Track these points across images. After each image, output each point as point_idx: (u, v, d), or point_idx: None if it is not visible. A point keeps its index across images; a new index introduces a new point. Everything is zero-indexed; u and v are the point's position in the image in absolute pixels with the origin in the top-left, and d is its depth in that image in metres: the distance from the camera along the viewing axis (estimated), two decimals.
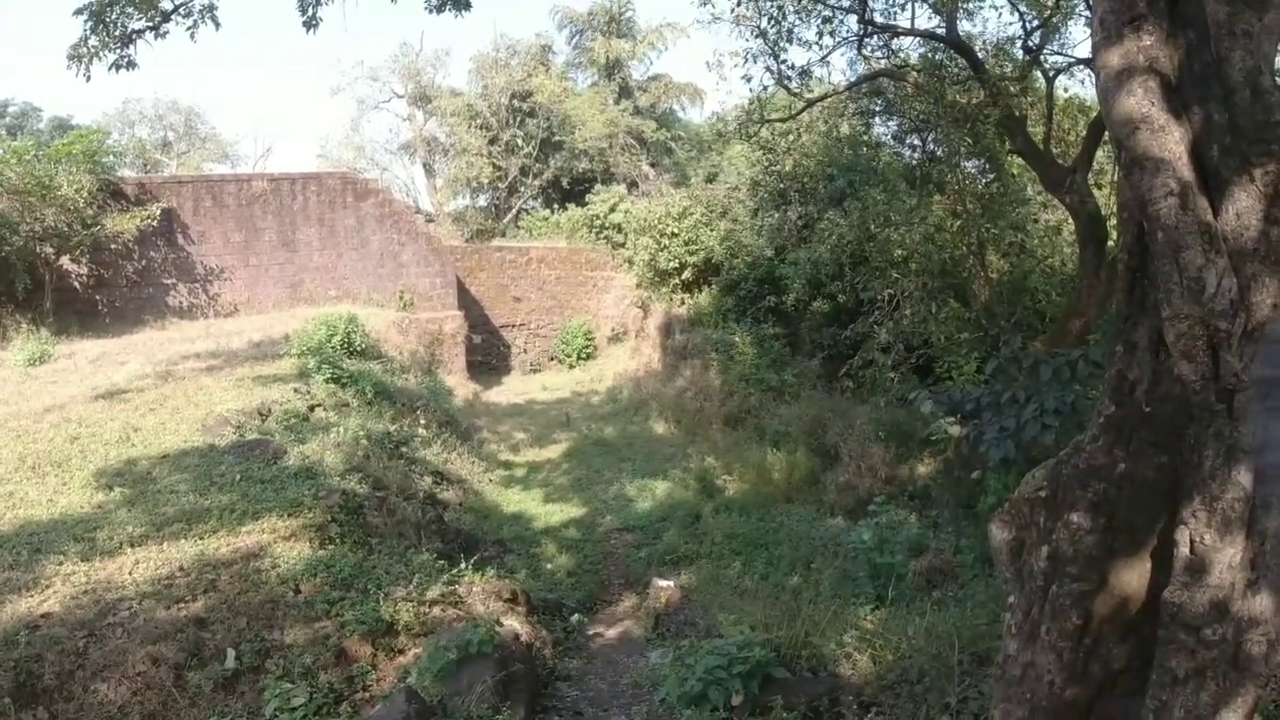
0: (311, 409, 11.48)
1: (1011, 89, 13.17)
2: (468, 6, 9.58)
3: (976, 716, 4.21)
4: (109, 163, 18.97)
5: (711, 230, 21.46)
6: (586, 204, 28.58)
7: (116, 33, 8.41)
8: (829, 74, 17.12)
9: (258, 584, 6.47)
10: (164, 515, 7.61)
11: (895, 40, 14.59)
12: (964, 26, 13.81)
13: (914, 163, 17.91)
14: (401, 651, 5.92)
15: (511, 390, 23.02)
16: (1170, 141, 2.88)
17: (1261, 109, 2.71)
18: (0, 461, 8.98)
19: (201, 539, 7.09)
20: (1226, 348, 2.69)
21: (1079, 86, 15.34)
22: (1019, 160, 15.12)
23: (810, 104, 15.50)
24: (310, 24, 9.07)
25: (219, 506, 7.78)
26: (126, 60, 8.56)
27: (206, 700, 5.40)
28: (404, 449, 11.64)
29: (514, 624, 6.39)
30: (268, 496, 8.10)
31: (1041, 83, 13.96)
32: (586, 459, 15.88)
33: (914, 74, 14.31)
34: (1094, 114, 13.37)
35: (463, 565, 7.24)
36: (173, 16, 8.60)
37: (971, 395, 8.11)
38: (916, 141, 18.36)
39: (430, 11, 9.42)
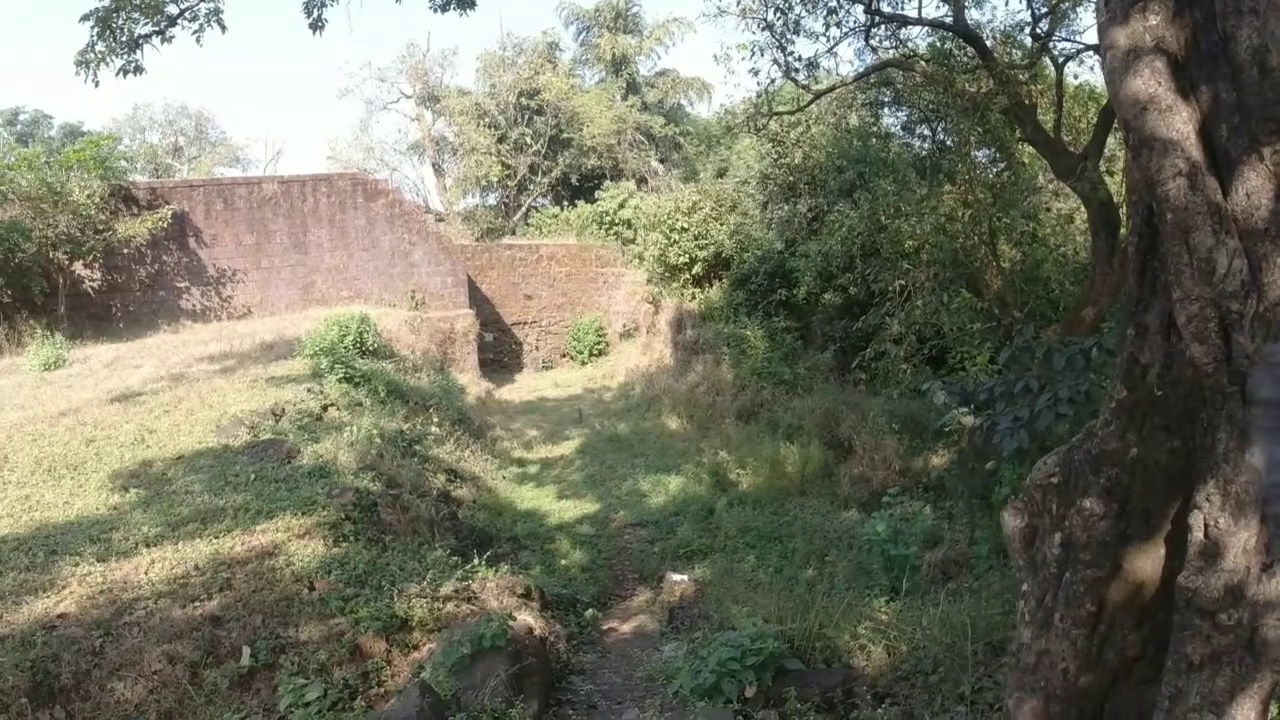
0: (325, 409, 11.53)
1: (1020, 77, 13.07)
2: (472, 5, 9.57)
3: (991, 706, 4.19)
4: (120, 168, 19.15)
5: (721, 224, 21.41)
6: (596, 200, 28.61)
7: (123, 38, 8.45)
8: (836, 65, 17.11)
9: (272, 582, 6.51)
10: (179, 515, 7.66)
11: (903, 30, 14.49)
12: (972, 15, 13.72)
13: (924, 153, 17.79)
14: (416, 647, 5.94)
15: (523, 387, 23.07)
16: (1178, 121, 2.85)
17: (1269, 87, 2.67)
18: (17, 465, 9.06)
19: (216, 538, 7.13)
20: (1238, 329, 2.66)
21: (1089, 73, 15.26)
22: (1029, 149, 15.00)
23: (818, 96, 15.42)
24: (316, 25, 9.11)
25: (234, 506, 7.82)
26: (134, 65, 8.59)
27: (222, 697, 5.43)
28: (417, 447, 11.68)
29: (528, 619, 6.39)
30: (282, 495, 8.14)
31: (1051, 70, 13.84)
32: (599, 455, 15.89)
33: (922, 63, 14.21)
34: (1104, 101, 13.24)
35: (476, 561, 7.25)
36: (179, 21, 8.63)
37: (985, 385, 8.05)
38: (926, 131, 18.24)
39: (435, 11, 9.43)
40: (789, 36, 13.71)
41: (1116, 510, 3.10)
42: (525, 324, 25.95)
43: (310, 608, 6.25)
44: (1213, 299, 2.69)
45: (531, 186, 34.22)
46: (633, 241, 25.57)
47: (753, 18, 13.86)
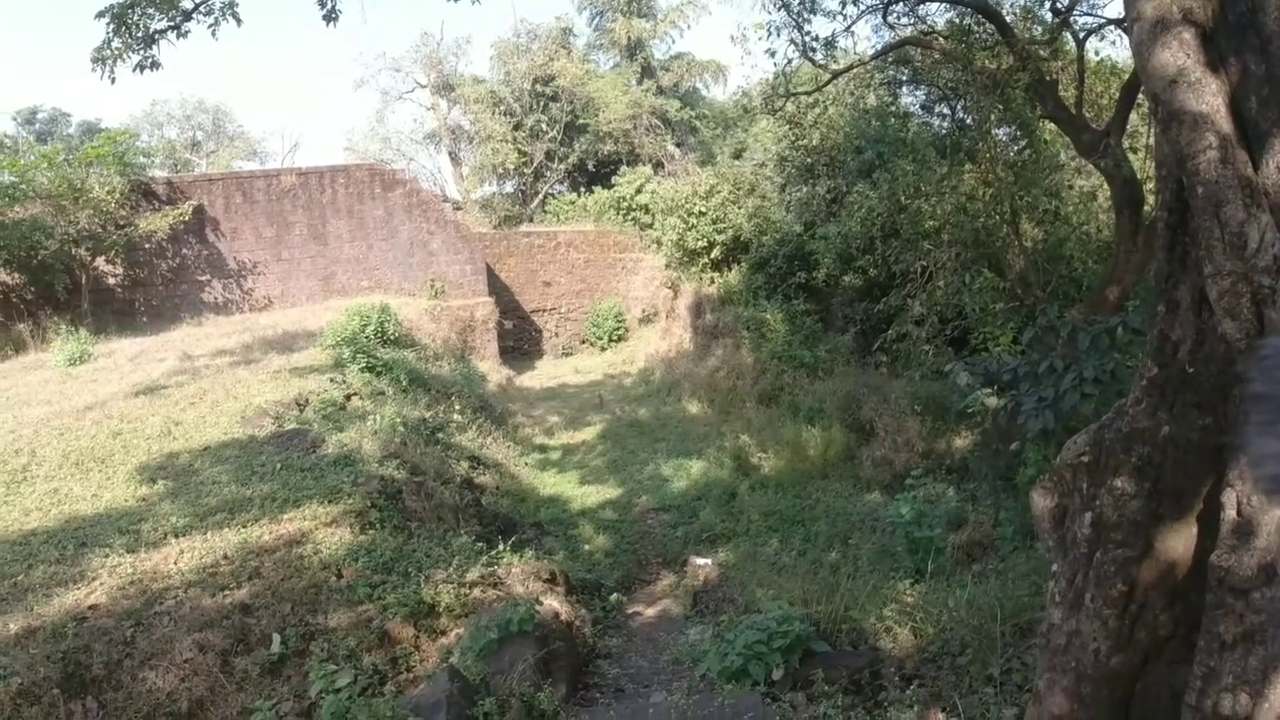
0: (348, 398, 11.61)
1: (1041, 53, 12.87)
2: None
3: (1020, 687, 4.17)
4: (139, 164, 19.29)
5: (739, 208, 21.31)
6: (613, 186, 28.54)
7: (139, 34, 8.46)
8: (854, 44, 16.95)
9: (300, 570, 6.58)
10: (207, 506, 7.76)
11: (921, 6, 14.34)
12: None
13: (943, 132, 17.62)
14: (443, 633, 6.00)
15: (544, 374, 23.13)
16: (1208, 94, 2.80)
17: None
18: (45, 459, 9.19)
19: (244, 528, 7.22)
20: (1271, 304, 2.62)
21: (1110, 48, 14.99)
22: (1051, 126, 14.80)
23: (836, 75, 15.27)
24: (330, 17, 9.09)
25: (260, 496, 7.90)
26: (150, 61, 8.62)
27: (253, 685, 5.50)
28: (440, 435, 11.74)
29: (553, 603, 6.44)
30: (308, 484, 8.22)
31: (1072, 45, 13.62)
32: (621, 440, 15.93)
33: (941, 41, 14.03)
34: (1126, 76, 13.04)
35: (501, 547, 7.30)
36: (194, 15, 8.64)
37: (1008, 366, 7.99)
38: (945, 110, 18.07)
39: None
40: (805, 15, 13.59)
41: (1148, 489, 3.07)
42: (544, 311, 25.99)
43: (338, 595, 6.32)
44: (1244, 274, 2.65)
45: (548, 173, 34.18)
46: (650, 226, 25.52)
47: None
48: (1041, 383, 7.07)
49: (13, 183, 16.36)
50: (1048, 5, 13.41)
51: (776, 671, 4.80)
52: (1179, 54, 2.84)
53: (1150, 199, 12.29)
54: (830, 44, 14.12)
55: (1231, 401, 2.86)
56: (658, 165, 32.26)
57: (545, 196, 34.00)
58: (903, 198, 15.22)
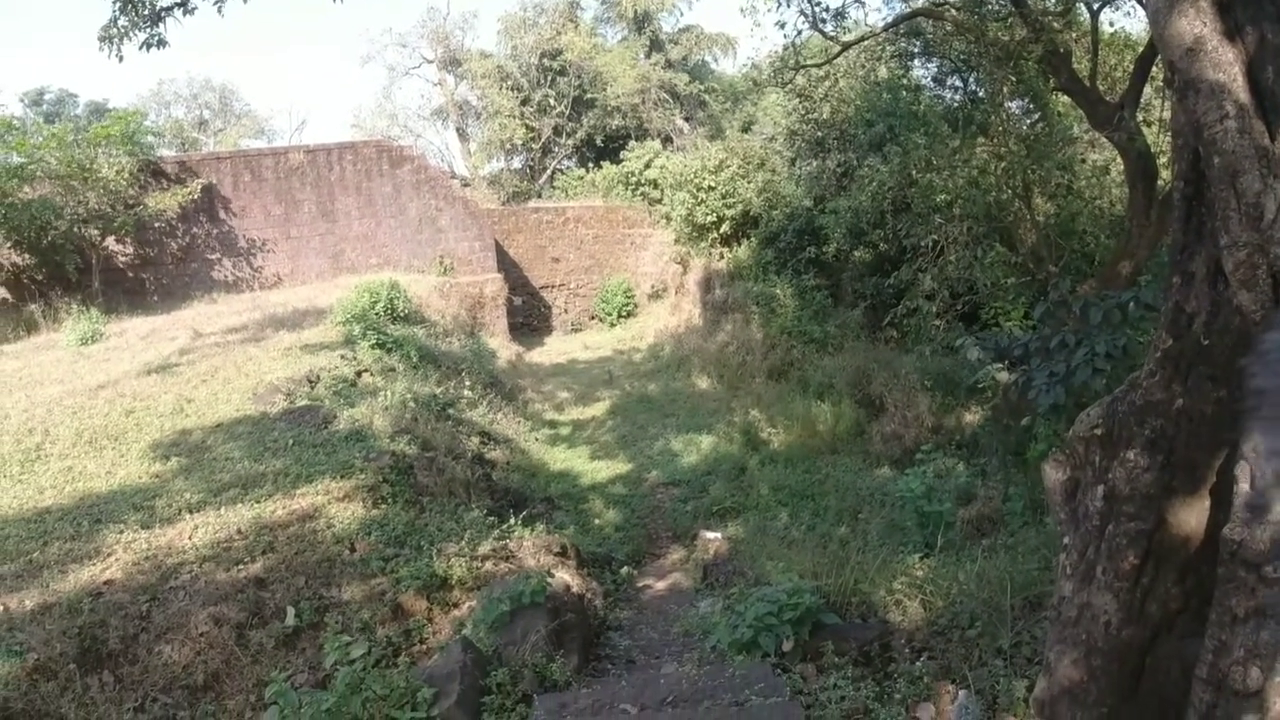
0: (359, 374, 11.66)
1: (1055, 24, 12.68)
2: None
3: (1030, 660, 4.19)
4: (147, 143, 19.28)
5: (749, 182, 21.19)
6: (621, 161, 28.39)
7: (145, 11, 8.44)
8: (865, 16, 16.75)
9: (314, 544, 6.64)
10: (220, 482, 7.83)
11: None
12: None
13: (955, 104, 17.44)
14: (456, 605, 6.06)
15: (553, 350, 23.16)
16: (1225, 63, 2.77)
17: None
18: (58, 437, 9.26)
19: (258, 503, 7.28)
20: None
21: (1124, 19, 14.84)
22: (1064, 98, 14.64)
23: (846, 47, 15.11)
24: None
25: (273, 471, 7.96)
26: (157, 39, 8.58)
27: (268, 657, 5.57)
28: (450, 410, 11.79)
29: (565, 576, 6.49)
30: (320, 460, 8.28)
31: (1085, 16, 13.44)
32: (630, 416, 15.96)
33: (953, 12, 13.84)
34: (1141, 48, 12.86)
35: (512, 521, 7.36)
36: None
37: (1019, 341, 7.95)
38: (957, 82, 17.87)
39: None
40: None
41: (1161, 462, 3.06)
42: (553, 287, 25.97)
43: (352, 568, 6.38)
44: (1260, 244, 2.62)
45: (556, 149, 34.03)
46: (659, 201, 25.41)
47: None
48: (1053, 358, 7.04)
49: (22, 163, 16.38)
50: None
51: (787, 643, 4.83)
52: (1196, 22, 2.80)
53: (1164, 173, 12.17)
54: (841, 15, 13.98)
55: (1246, 374, 2.84)
56: (666, 140, 32.07)
57: (553, 172, 33.86)
58: (914, 172, 15.11)
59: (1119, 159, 13.32)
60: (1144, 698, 3.28)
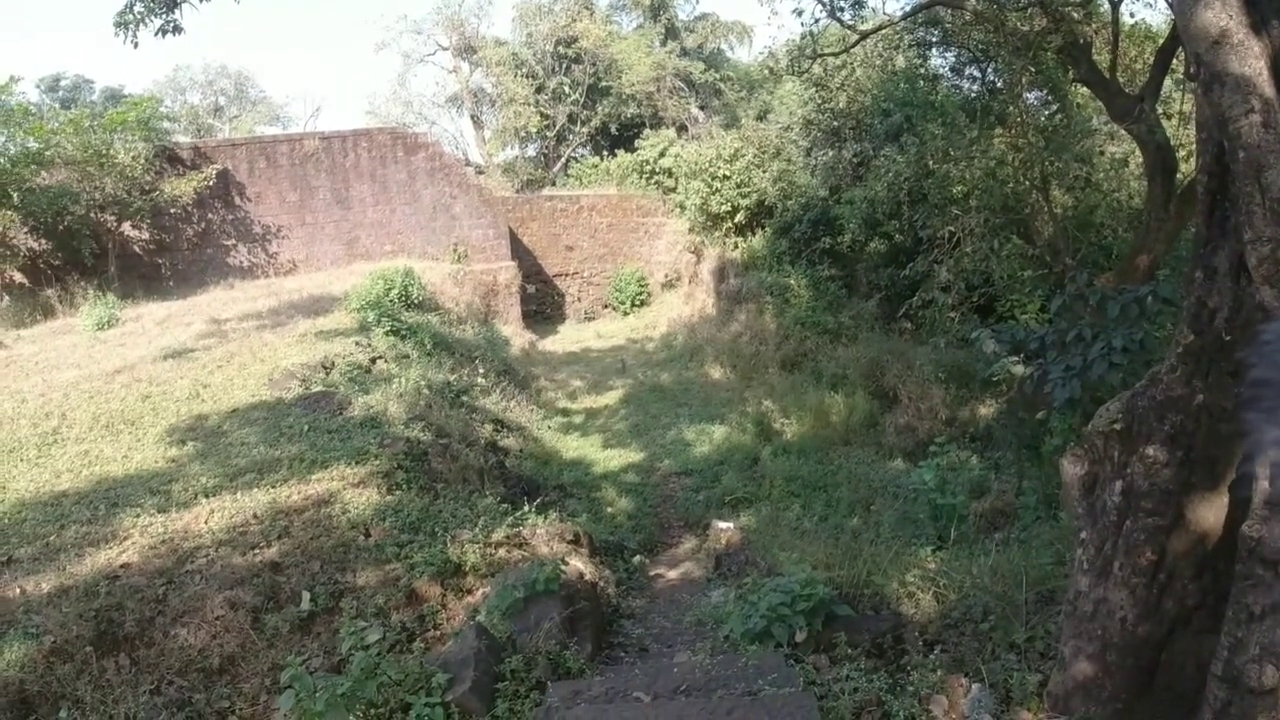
0: (373, 361, 11.71)
1: (1075, 15, 12.56)
2: None
3: (1043, 655, 4.18)
4: (163, 129, 19.39)
5: (764, 172, 21.10)
6: (636, 149, 28.31)
7: None
8: (883, 4, 16.60)
9: (329, 529, 6.68)
10: (236, 466, 7.88)
11: None
12: None
13: (973, 95, 17.27)
14: (470, 591, 6.08)
15: (566, 339, 23.19)
16: (1251, 57, 2.75)
17: None
18: (75, 421, 9.34)
19: (273, 488, 7.32)
20: None
21: (1145, 10, 14.71)
22: (1083, 90, 14.50)
23: (864, 36, 15.01)
24: None
25: (289, 457, 8.01)
26: (173, 25, 8.61)
27: (284, 641, 5.61)
28: (464, 398, 11.83)
29: (578, 564, 6.50)
30: (335, 446, 8.31)
31: (1106, 7, 13.27)
32: (643, 405, 15.98)
33: (972, 1, 13.71)
34: (1161, 40, 12.72)
35: (525, 509, 7.37)
36: None
37: (1036, 334, 7.91)
38: (976, 73, 17.69)
39: None
40: None
41: (1180, 458, 3.05)
42: (567, 275, 25.97)
43: (367, 554, 6.42)
44: None
45: (570, 136, 33.95)
46: (674, 190, 25.35)
47: None
48: (1069, 352, 7.00)
49: (39, 149, 16.49)
50: None
51: (799, 634, 4.84)
52: (1222, 15, 2.78)
53: (1183, 166, 12.05)
54: (859, 3, 13.89)
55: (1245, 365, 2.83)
56: (681, 128, 31.94)
57: (568, 160, 33.80)
58: (930, 162, 15.01)
59: (1138, 152, 13.20)
60: (1158, 693, 3.28)
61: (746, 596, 5.62)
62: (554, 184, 31.86)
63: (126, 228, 18.14)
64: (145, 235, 18.76)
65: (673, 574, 8.30)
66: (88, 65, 64.91)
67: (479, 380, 13.47)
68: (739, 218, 21.22)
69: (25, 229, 16.56)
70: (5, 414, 9.62)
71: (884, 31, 15.77)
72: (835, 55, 16.07)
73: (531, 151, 36.01)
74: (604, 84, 32.77)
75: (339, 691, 4.16)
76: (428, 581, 6.05)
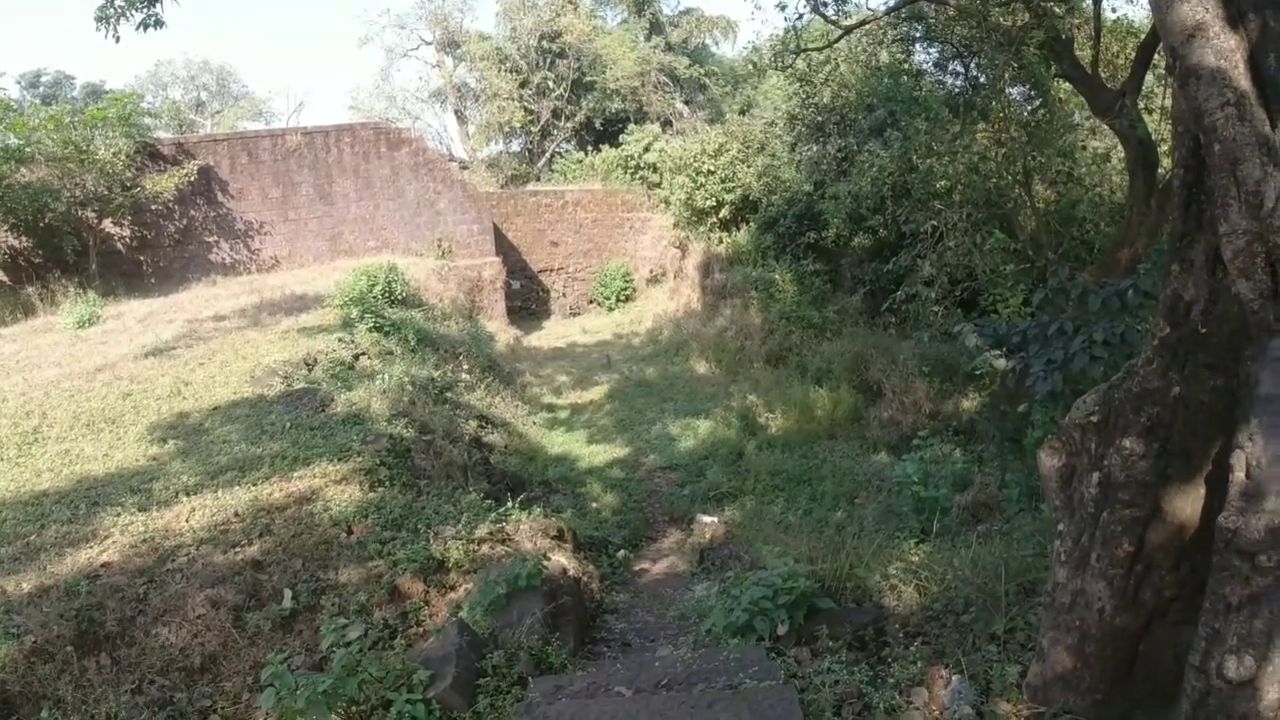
0: (356, 358, 11.64)
1: (1057, 10, 12.61)
2: None
3: (1023, 646, 4.20)
4: (144, 125, 19.19)
5: (748, 166, 21.11)
6: (620, 145, 28.28)
7: None
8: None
9: (311, 527, 6.64)
10: (217, 464, 7.82)
11: None
12: None
13: (956, 90, 17.33)
14: (452, 588, 6.06)
15: (552, 334, 23.15)
16: (1226, 50, 2.76)
17: None
18: (55, 420, 9.24)
19: (255, 486, 7.27)
20: None
21: (1127, 6, 14.79)
22: (1066, 85, 14.58)
23: (848, 31, 15.01)
24: None
25: (270, 454, 7.96)
26: (154, 19, 8.51)
27: (265, 639, 5.58)
28: (448, 394, 11.78)
29: (561, 559, 6.49)
30: (317, 443, 8.26)
31: (1088, 3, 13.34)
32: (628, 400, 15.97)
33: None
34: (1143, 35, 12.78)
35: (509, 505, 7.35)
36: None
37: (1018, 328, 7.95)
38: (959, 68, 17.74)
39: None
40: None
41: (1157, 450, 3.06)
42: (552, 271, 25.92)
43: (349, 551, 6.39)
44: (1260, 233, 2.62)
45: (555, 132, 33.86)
46: (658, 185, 25.33)
47: None
48: (1051, 345, 7.04)
49: (19, 145, 16.28)
50: None
51: (781, 627, 4.85)
52: (1198, 8, 2.79)
53: (1165, 161, 12.12)
54: None
55: (1243, 362, 2.84)
56: (666, 123, 31.92)
57: (552, 155, 33.72)
58: (914, 157, 15.05)
59: (1120, 146, 13.28)
60: (1137, 684, 3.30)
61: (729, 590, 5.64)
62: (538, 179, 31.79)
63: (108, 225, 17.95)
64: (127, 232, 18.58)
65: (657, 568, 8.30)
66: (68, 61, 64.22)
67: (463, 376, 13.42)
68: (724, 213, 21.22)
69: (5, 226, 16.37)
70: None
71: (867, 26, 15.78)
72: (819, 50, 16.07)
73: (516, 147, 35.92)
74: (588, 79, 32.70)
75: (320, 689, 4.14)
76: (410, 578, 6.03)
